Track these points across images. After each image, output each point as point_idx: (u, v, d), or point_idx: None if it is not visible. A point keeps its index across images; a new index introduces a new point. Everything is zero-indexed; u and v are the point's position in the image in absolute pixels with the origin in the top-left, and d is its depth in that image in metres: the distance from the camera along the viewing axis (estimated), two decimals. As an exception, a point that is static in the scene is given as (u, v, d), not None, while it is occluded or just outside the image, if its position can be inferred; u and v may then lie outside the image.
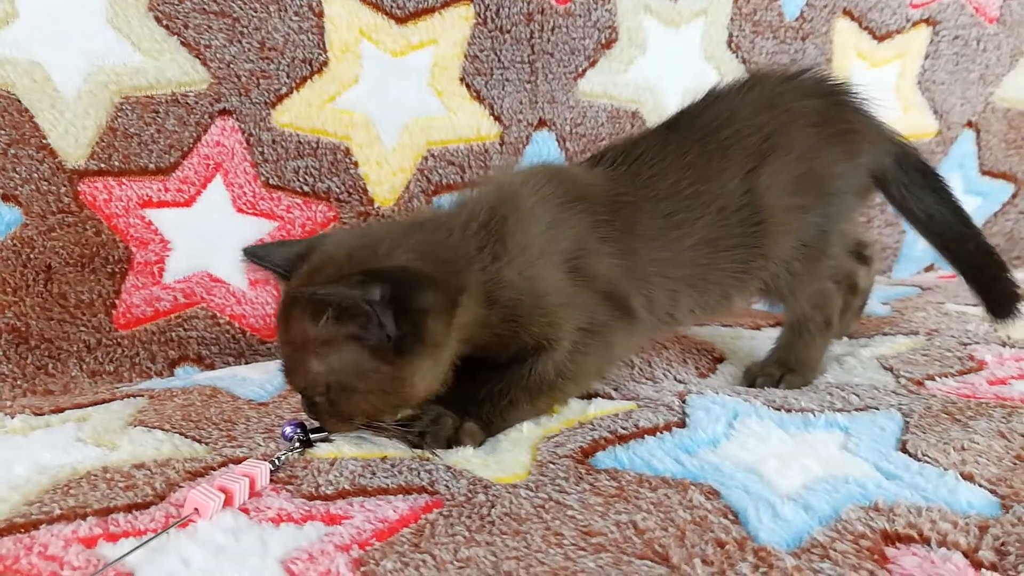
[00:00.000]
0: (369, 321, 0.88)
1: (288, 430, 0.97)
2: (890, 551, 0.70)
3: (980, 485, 0.81)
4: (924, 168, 1.24)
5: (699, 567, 0.68)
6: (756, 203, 1.10)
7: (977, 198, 1.99)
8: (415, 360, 0.92)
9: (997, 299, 1.21)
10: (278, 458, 0.91)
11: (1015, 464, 0.85)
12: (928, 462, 0.86)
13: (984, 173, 1.99)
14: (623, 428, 0.97)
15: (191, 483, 0.86)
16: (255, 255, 1.04)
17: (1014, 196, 2.02)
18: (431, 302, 0.91)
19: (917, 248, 1.94)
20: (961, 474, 0.83)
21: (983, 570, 0.67)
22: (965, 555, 0.69)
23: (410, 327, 0.89)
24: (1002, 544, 0.70)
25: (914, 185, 1.22)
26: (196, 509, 0.78)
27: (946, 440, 0.91)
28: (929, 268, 1.96)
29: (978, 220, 1.98)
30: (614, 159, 1.13)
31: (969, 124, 1.96)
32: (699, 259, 1.10)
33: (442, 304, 0.93)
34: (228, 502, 0.81)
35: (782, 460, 0.87)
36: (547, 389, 1.04)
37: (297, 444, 0.95)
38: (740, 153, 1.11)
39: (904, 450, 0.90)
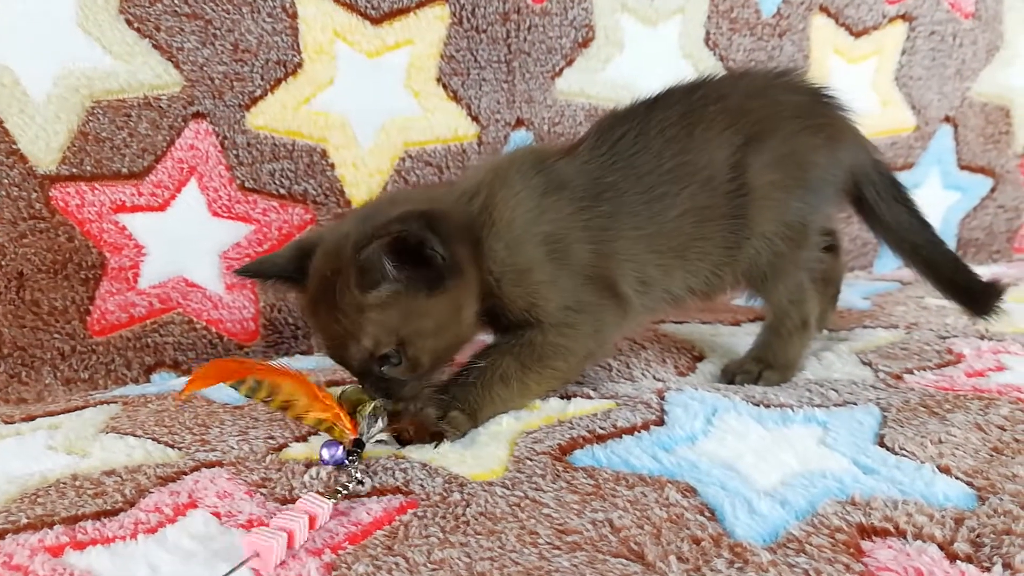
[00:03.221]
0: (419, 262, 0.93)
1: (332, 453, 0.90)
2: (866, 544, 0.70)
3: (957, 478, 0.81)
4: (894, 179, 1.28)
5: (674, 564, 0.68)
6: (742, 177, 1.12)
7: (956, 193, 2.00)
8: (460, 287, 0.99)
9: (977, 298, 1.23)
10: (343, 485, 0.84)
11: (992, 456, 0.85)
12: (905, 456, 0.86)
13: (962, 168, 2.00)
14: (601, 428, 0.96)
15: (159, 488, 0.85)
16: (255, 272, 1.10)
17: (992, 190, 2.03)
18: (456, 235, 0.98)
19: (898, 244, 1.94)
20: (938, 467, 0.83)
21: (958, 562, 0.66)
22: (940, 547, 0.68)
23: (448, 258, 0.95)
24: (977, 536, 0.70)
25: (887, 193, 1.25)
26: (257, 553, 0.70)
27: (923, 433, 0.90)
28: (910, 263, 1.96)
29: (957, 215, 2.00)
30: (596, 141, 1.15)
31: (947, 119, 1.96)
32: (684, 227, 1.12)
33: (464, 239, 1.00)
34: (290, 543, 0.73)
35: (760, 456, 0.87)
36: (536, 363, 1.05)
37: (353, 459, 0.90)
38: (729, 128, 1.13)
39: (882, 444, 0.90)
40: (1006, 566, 0.65)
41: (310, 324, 0.99)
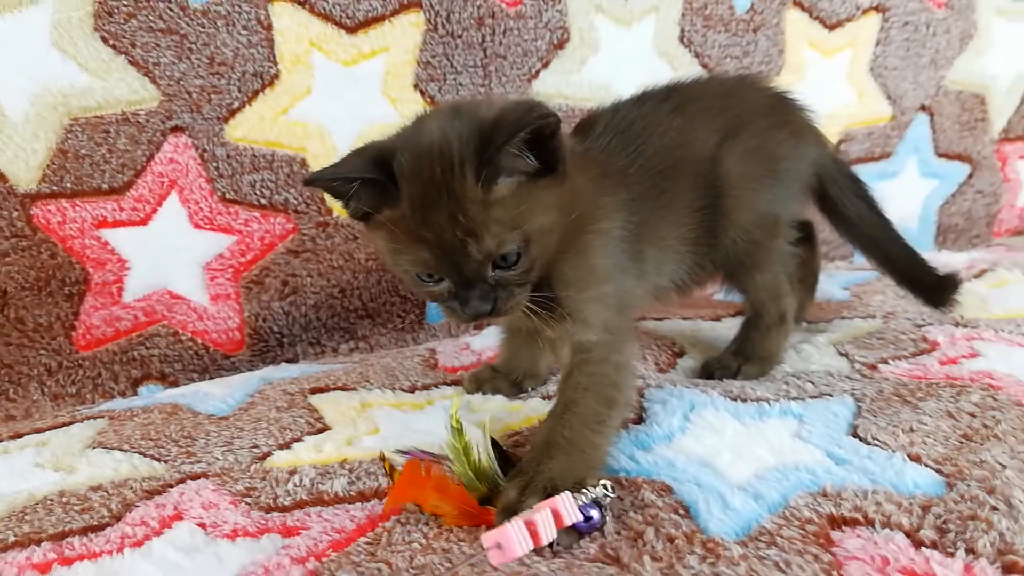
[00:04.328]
0: (540, 154, 0.88)
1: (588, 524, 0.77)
2: (836, 535, 0.72)
3: (926, 465, 0.82)
4: (854, 175, 1.31)
5: (648, 564, 0.69)
6: (718, 170, 1.14)
7: (934, 180, 2.02)
8: (570, 177, 0.92)
9: (933, 290, 1.27)
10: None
11: (961, 443, 0.87)
12: (877, 445, 0.88)
13: (940, 155, 2.01)
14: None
15: (145, 502, 0.86)
16: (331, 179, 0.94)
17: (970, 176, 2.05)
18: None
19: (878, 233, 1.96)
20: (909, 455, 0.85)
21: (923, 548, 0.68)
22: (907, 535, 0.70)
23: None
24: (944, 522, 0.72)
25: (848, 189, 1.28)
26: (498, 544, 0.68)
27: (895, 423, 0.92)
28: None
29: (936, 202, 2.02)
30: (603, 127, 1.14)
31: (923, 108, 1.98)
32: (678, 219, 1.13)
33: None
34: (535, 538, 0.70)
35: (735, 451, 0.88)
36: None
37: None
38: (708, 126, 1.15)
39: (855, 435, 0.91)
40: (969, 551, 0.67)
41: (411, 235, 0.88)
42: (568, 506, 0.73)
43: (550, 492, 0.77)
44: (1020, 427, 0.89)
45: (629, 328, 1.04)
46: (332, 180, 0.93)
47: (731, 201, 1.14)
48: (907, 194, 2.00)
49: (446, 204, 0.87)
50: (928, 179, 2.01)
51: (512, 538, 0.69)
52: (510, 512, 0.76)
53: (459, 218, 0.86)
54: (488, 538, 0.69)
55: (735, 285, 1.21)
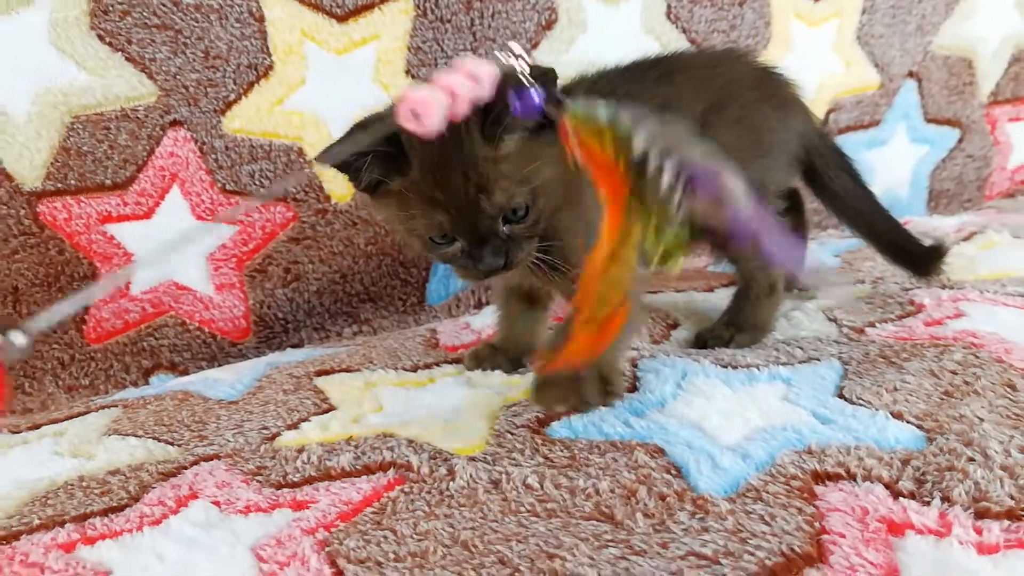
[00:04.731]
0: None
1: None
2: (819, 489, 0.75)
3: (908, 422, 0.86)
4: (838, 148, 1.33)
5: (640, 520, 0.73)
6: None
7: (924, 146, 2.04)
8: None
9: (919, 261, 1.30)
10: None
11: (942, 399, 0.90)
12: (862, 405, 0.91)
13: (929, 121, 2.03)
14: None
15: (162, 483, 0.90)
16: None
17: (960, 141, 2.07)
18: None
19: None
20: (892, 413, 0.88)
21: (901, 498, 0.72)
22: (887, 486, 0.74)
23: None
24: (922, 474, 0.75)
25: (833, 163, 1.30)
26: (414, 112, 0.66)
27: (880, 383, 0.95)
28: (883, 218, 2.01)
29: (927, 167, 2.05)
30: (583, 94, 1.16)
31: (911, 74, 2.00)
32: None
33: None
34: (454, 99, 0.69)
35: (725, 415, 0.92)
36: None
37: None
38: (693, 96, 1.18)
39: (841, 396, 0.95)
40: (944, 499, 0.71)
41: (424, 199, 0.93)
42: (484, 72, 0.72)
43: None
44: (999, 382, 0.92)
45: None
46: (343, 157, 0.95)
47: None
48: (898, 160, 2.02)
49: (457, 164, 0.91)
50: (918, 145, 2.03)
51: (431, 103, 0.67)
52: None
53: (470, 176, 0.92)
54: (404, 105, 0.67)
55: (724, 255, 1.24)
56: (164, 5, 1.41)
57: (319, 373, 1.24)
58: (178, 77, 1.43)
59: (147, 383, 1.45)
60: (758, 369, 1.04)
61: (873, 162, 1.98)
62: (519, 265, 0.98)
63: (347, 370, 1.25)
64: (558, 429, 0.94)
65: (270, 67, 1.49)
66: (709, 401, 0.96)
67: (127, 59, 1.40)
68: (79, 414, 1.20)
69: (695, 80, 1.20)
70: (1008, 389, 0.90)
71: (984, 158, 2.10)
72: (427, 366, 1.26)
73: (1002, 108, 2.11)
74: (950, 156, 2.07)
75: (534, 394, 1.01)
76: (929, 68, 2.01)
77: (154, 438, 1.05)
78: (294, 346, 1.53)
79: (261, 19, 1.47)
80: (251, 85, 1.48)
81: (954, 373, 0.96)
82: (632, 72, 1.21)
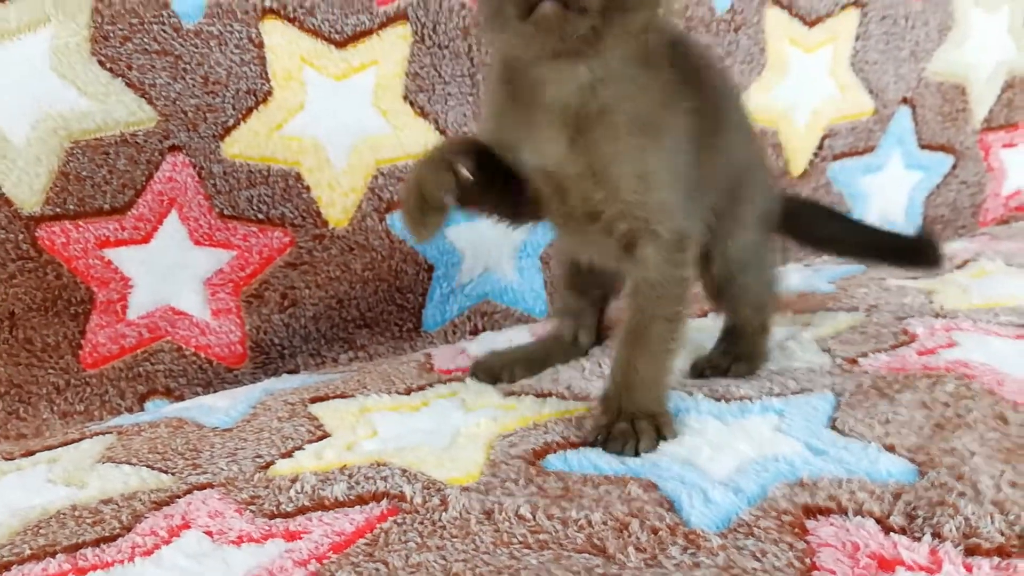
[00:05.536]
0: None
1: None
2: (810, 523, 0.75)
3: (900, 455, 0.86)
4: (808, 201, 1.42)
5: (632, 554, 0.73)
6: None
7: (919, 172, 2.05)
8: None
9: (919, 255, 1.35)
10: None
11: (934, 432, 0.90)
12: (854, 437, 0.92)
13: (923, 147, 2.05)
14: (576, 435, 1.01)
15: (154, 513, 0.90)
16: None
17: (954, 167, 2.08)
18: None
19: (865, 226, 2.00)
20: (884, 445, 0.88)
21: (892, 534, 0.72)
22: (878, 521, 0.74)
23: None
24: (913, 508, 0.75)
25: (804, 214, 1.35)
26: None
27: (872, 415, 0.96)
28: (877, 244, 2.02)
29: (921, 193, 2.06)
30: None
31: (904, 100, 2.01)
32: None
33: None
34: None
35: (716, 447, 0.92)
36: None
37: None
38: None
39: (834, 427, 0.95)
40: (935, 535, 0.71)
41: None
42: None
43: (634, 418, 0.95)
44: (991, 415, 0.93)
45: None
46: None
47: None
48: (893, 187, 2.04)
49: None
50: (913, 171, 2.05)
51: None
52: (603, 433, 0.95)
53: None
54: None
55: (715, 301, 1.26)
56: (165, 31, 1.42)
57: (314, 400, 1.24)
58: (178, 102, 1.44)
59: (142, 409, 1.45)
60: (751, 401, 1.04)
61: (869, 188, 1.99)
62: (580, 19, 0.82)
63: (342, 396, 1.25)
64: (553, 461, 0.94)
65: (269, 92, 1.50)
66: (700, 436, 0.96)
67: (127, 84, 1.41)
68: (73, 440, 1.20)
69: None
70: (999, 422, 0.91)
71: (978, 184, 2.12)
72: (420, 388, 1.26)
73: (995, 134, 2.12)
74: (944, 182, 2.08)
75: (604, 436, 0.96)
76: (923, 94, 2.03)
77: (148, 466, 1.05)
78: (290, 372, 1.54)
79: (261, 45, 1.49)
80: (250, 110, 1.49)
81: (946, 405, 0.96)
82: None
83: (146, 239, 1.44)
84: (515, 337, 1.49)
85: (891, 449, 0.87)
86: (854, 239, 1.38)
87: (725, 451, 0.91)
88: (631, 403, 0.97)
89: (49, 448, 1.18)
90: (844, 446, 0.89)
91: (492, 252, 1.67)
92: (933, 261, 1.35)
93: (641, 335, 1.00)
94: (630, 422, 0.95)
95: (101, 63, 1.39)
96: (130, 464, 1.06)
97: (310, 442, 1.08)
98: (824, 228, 1.33)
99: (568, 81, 0.92)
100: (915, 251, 1.35)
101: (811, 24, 1.90)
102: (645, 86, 0.95)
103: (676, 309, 1.01)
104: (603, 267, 1.21)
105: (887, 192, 2.02)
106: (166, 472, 1.03)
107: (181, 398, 1.47)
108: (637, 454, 0.93)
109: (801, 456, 0.88)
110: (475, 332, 1.66)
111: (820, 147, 1.93)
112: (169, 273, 1.46)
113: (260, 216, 1.51)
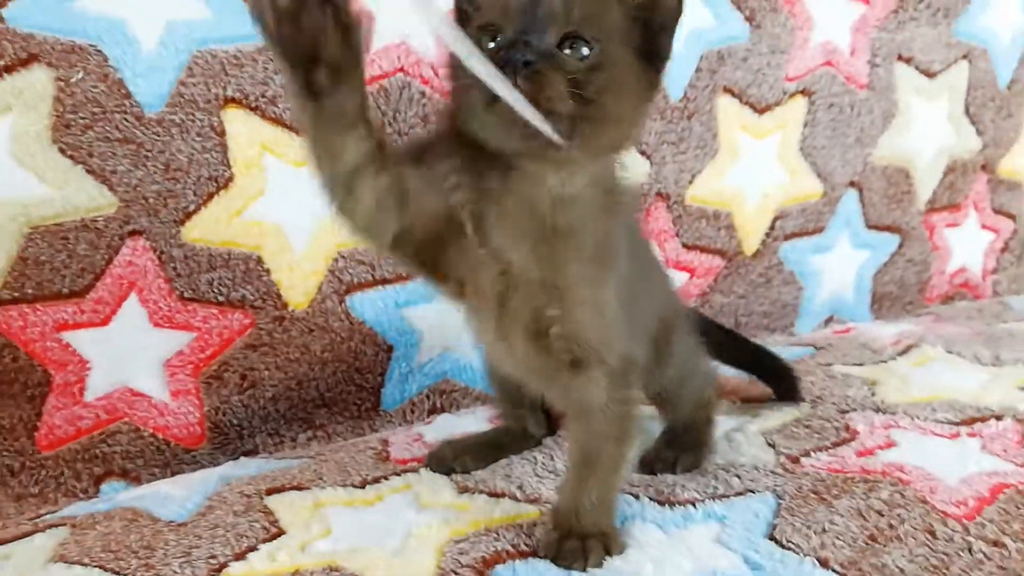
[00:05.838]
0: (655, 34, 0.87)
1: None
2: (744, 649, 0.78)
3: (833, 570, 0.90)
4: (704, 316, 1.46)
5: None
6: None
7: (866, 251, 2.12)
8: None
9: (782, 386, 1.46)
10: None
11: (867, 545, 0.94)
12: (791, 549, 0.95)
13: (870, 227, 2.12)
14: (526, 544, 1.03)
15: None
16: None
17: (900, 246, 2.16)
18: None
19: (815, 303, 2.06)
20: (818, 559, 0.92)
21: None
22: (807, 647, 0.77)
23: None
24: (840, 633, 0.79)
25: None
26: None
27: (809, 523, 1.00)
28: (829, 319, 2.08)
29: (869, 271, 2.13)
30: None
31: (852, 184, 2.09)
32: None
33: None
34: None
35: (658, 564, 0.94)
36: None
37: None
38: None
39: (772, 537, 0.98)
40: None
41: None
42: None
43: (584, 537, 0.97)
44: (921, 527, 0.97)
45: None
46: None
47: None
48: (842, 265, 2.10)
49: None
50: (861, 250, 2.12)
51: None
52: (552, 549, 0.97)
53: None
54: None
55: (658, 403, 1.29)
56: (127, 120, 1.44)
57: (269, 491, 1.26)
58: (138, 188, 1.46)
59: (97, 491, 1.45)
60: (694, 506, 1.07)
61: (819, 266, 2.06)
62: (536, 86, 0.77)
63: (297, 487, 1.27)
64: (502, 572, 0.96)
65: (230, 179, 1.52)
66: (643, 550, 0.99)
67: (88, 171, 1.42)
68: (26, 534, 1.20)
69: None
70: (928, 536, 0.95)
71: (924, 262, 2.20)
72: (376, 480, 1.28)
73: (939, 215, 2.21)
74: (891, 260, 2.16)
75: (554, 552, 0.98)
76: (869, 178, 2.11)
77: (100, 567, 1.05)
78: (248, 452, 1.54)
79: (222, 133, 1.51)
80: (211, 196, 1.51)
81: (880, 514, 1.00)
82: None
83: (105, 322, 1.45)
84: (471, 423, 1.52)
85: (825, 563, 0.91)
86: (736, 355, 1.46)
87: (666, 567, 0.94)
88: (581, 524, 0.99)
89: (2, 542, 1.18)
90: (781, 559, 0.93)
91: (451, 332, 1.69)
92: (791, 397, 1.45)
93: (591, 458, 1.01)
94: (580, 540, 0.97)
95: (62, 150, 1.40)
96: (83, 564, 1.06)
97: (265, 540, 1.10)
98: (712, 339, 1.36)
99: (540, 185, 0.88)
100: (780, 381, 1.46)
101: (761, 112, 1.97)
102: (606, 212, 0.94)
103: (625, 428, 1.02)
104: (530, 387, 1.16)
105: (837, 270, 2.09)
106: (118, 573, 1.03)
107: (138, 479, 1.47)
108: (584, 571, 0.95)
109: (739, 571, 0.91)
110: (434, 411, 1.68)
111: (772, 228, 1.99)
112: (128, 355, 1.47)
113: (220, 299, 1.53)
